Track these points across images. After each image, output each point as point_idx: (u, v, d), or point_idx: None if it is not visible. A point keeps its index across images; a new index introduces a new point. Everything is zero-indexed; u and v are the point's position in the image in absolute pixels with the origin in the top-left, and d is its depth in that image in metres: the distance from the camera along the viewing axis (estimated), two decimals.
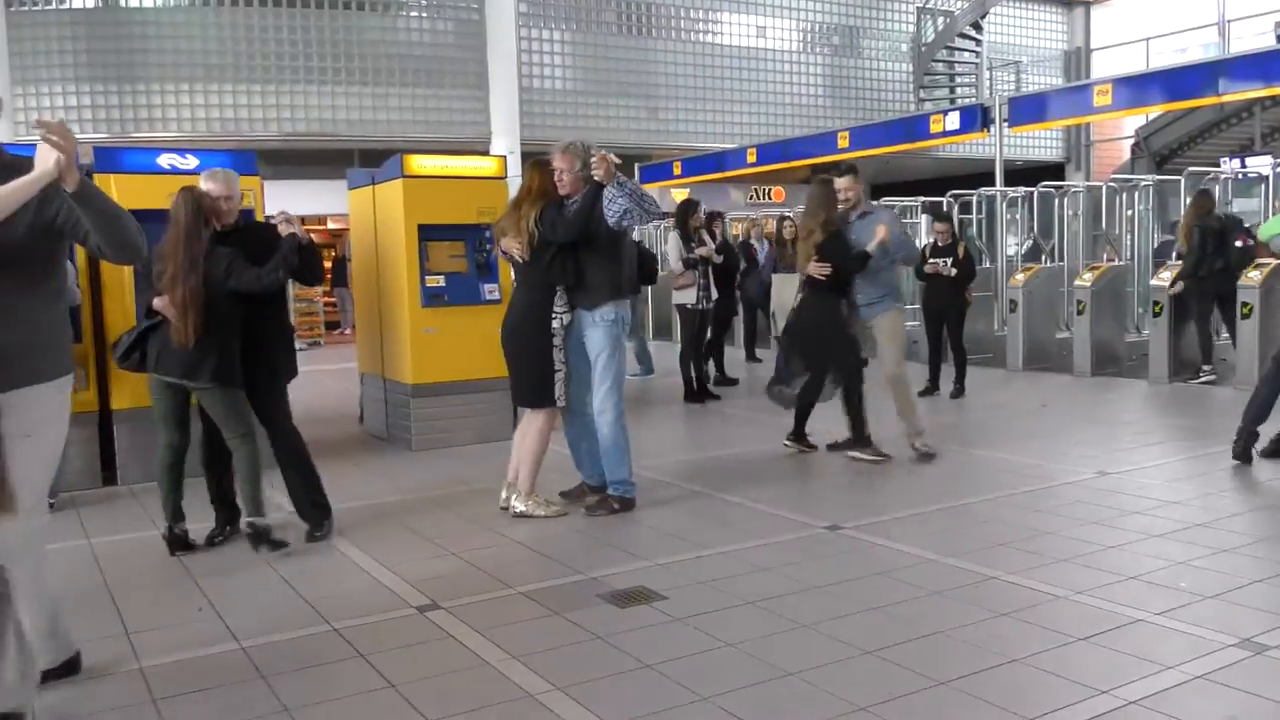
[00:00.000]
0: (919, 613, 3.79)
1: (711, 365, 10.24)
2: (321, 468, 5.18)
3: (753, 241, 11.90)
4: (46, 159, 2.76)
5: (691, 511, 5.42)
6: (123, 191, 6.26)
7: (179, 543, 4.86)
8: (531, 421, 5.41)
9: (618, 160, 5.04)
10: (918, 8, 22.37)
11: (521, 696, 3.17)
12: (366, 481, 6.41)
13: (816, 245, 6.30)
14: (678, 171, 18.71)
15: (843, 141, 15.03)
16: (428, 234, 7.32)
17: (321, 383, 11.03)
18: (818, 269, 6.26)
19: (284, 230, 4.92)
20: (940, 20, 22.00)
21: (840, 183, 6.46)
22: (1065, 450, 6.72)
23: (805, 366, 6.63)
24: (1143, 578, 4.11)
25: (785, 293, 9.83)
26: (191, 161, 6.66)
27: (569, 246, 5.16)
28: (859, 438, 6.57)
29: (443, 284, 7.35)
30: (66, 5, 16.67)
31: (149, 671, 3.45)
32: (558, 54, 19.32)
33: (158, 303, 4.63)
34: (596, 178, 4.99)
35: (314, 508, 5.08)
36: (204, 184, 4.78)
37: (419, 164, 7.35)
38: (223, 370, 4.65)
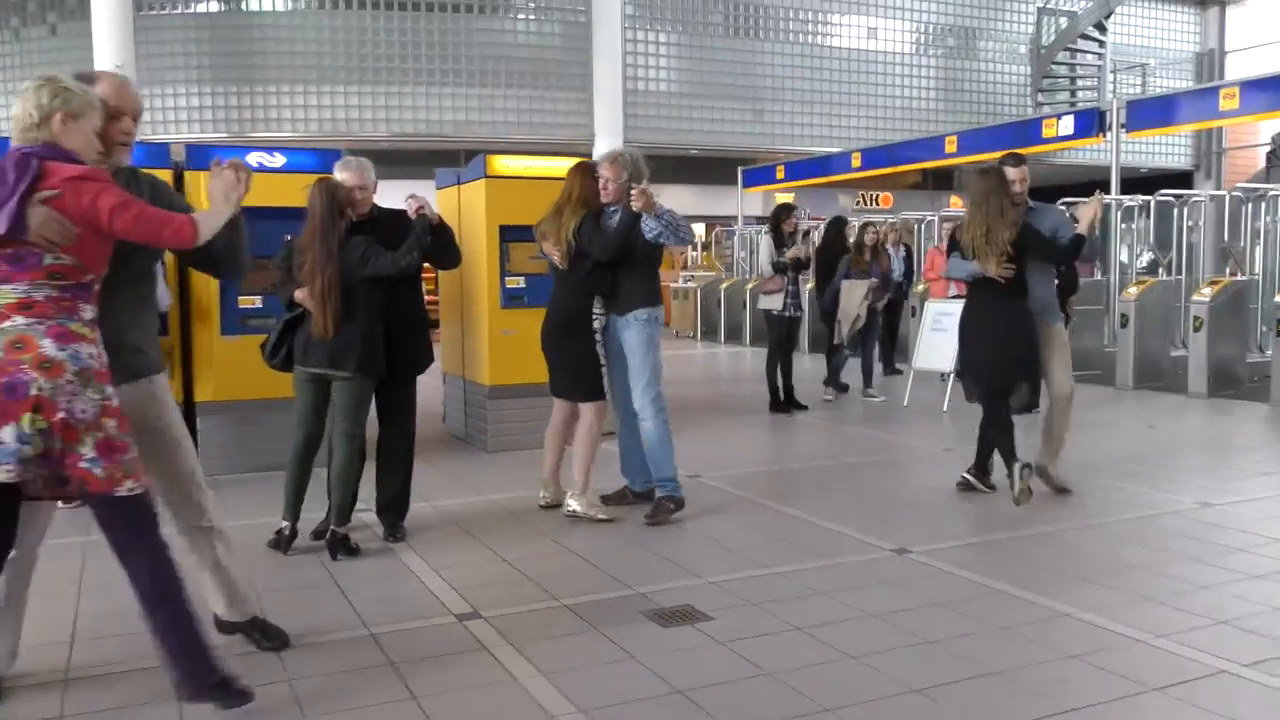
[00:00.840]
0: (979, 650, 3.53)
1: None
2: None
3: (888, 248, 11.37)
4: (231, 196, 3.06)
5: (754, 526, 5.23)
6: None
7: (287, 543, 4.75)
8: (583, 417, 5.43)
9: (654, 193, 5.09)
10: (1038, 8, 21.59)
11: (540, 717, 3.05)
12: (436, 481, 6.40)
13: (1010, 242, 5.42)
14: (780, 175, 18.43)
15: (950, 146, 14.54)
16: (509, 235, 7.28)
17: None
18: (1004, 270, 5.44)
19: (413, 210, 4.89)
20: (1062, 20, 21.16)
21: (1014, 173, 5.61)
22: (1169, 477, 6.29)
23: (994, 387, 5.71)
24: (1235, 623, 3.77)
25: (851, 299, 9.51)
26: (279, 160, 6.78)
27: (613, 260, 5.27)
28: (982, 465, 5.92)
29: (523, 285, 7.31)
30: (191, 9, 17.35)
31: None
32: (663, 56, 19.27)
33: (299, 294, 4.66)
34: (635, 209, 5.04)
35: (397, 510, 5.09)
36: (338, 174, 4.79)
37: (502, 164, 7.32)
38: (366, 358, 4.64)
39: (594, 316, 5.39)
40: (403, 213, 4.96)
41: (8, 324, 2.71)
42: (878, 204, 22.69)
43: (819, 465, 6.95)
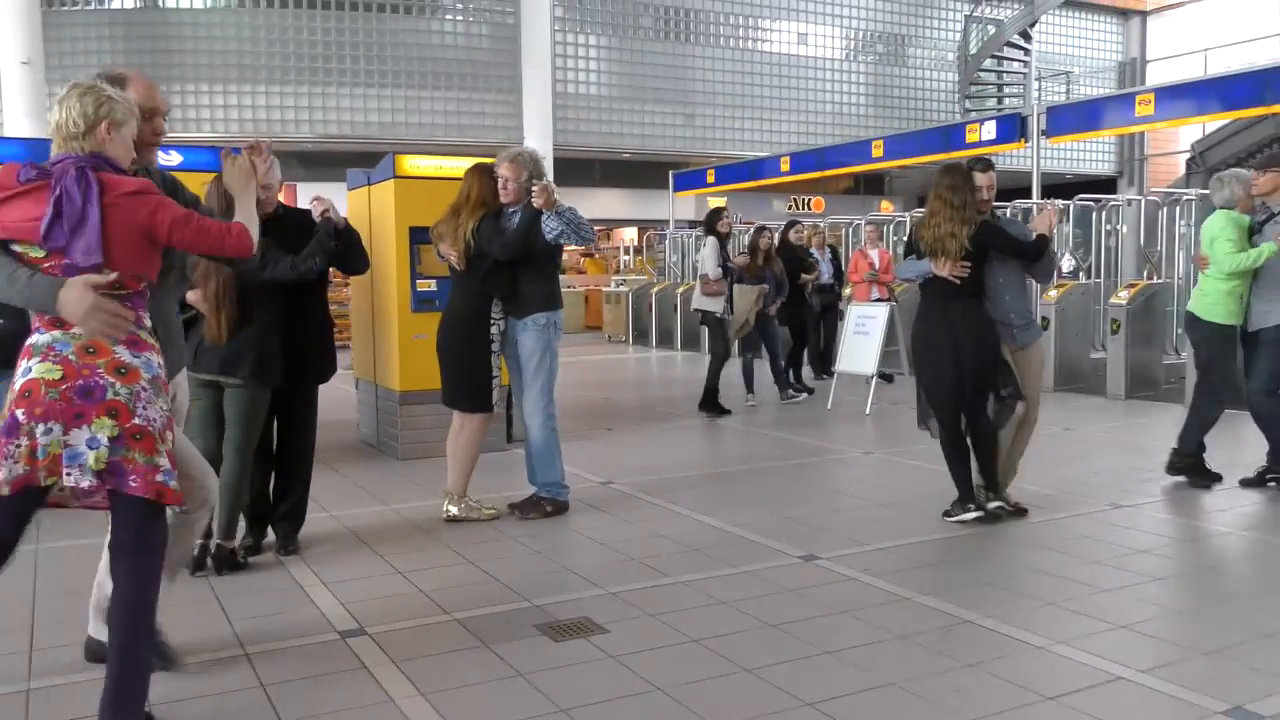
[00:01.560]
0: (876, 659, 3.44)
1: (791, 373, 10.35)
2: None
3: (813, 251, 11.35)
4: (249, 184, 3.11)
5: (662, 534, 5.10)
6: None
7: (226, 560, 4.45)
8: (467, 426, 5.36)
9: (554, 190, 5.08)
10: (965, 15, 21.86)
11: None
12: (341, 490, 6.18)
13: (970, 238, 5.02)
14: (711, 179, 18.39)
15: (877, 150, 14.59)
16: (420, 237, 7.07)
17: (332, 386, 10.83)
18: (959, 269, 5.04)
19: (318, 213, 4.67)
20: (989, 28, 21.46)
21: (983, 178, 5.21)
22: (1081, 479, 6.29)
23: (949, 400, 5.20)
24: (1135, 627, 3.72)
25: (742, 303, 9.42)
26: (175, 158, 6.52)
27: (505, 260, 5.17)
28: (967, 492, 5.26)
29: (434, 288, 7.11)
30: (105, 5, 16.82)
31: (33, 694, 3.22)
32: (593, 59, 19.16)
33: (191, 296, 4.40)
34: (536, 205, 4.99)
35: (291, 523, 4.86)
36: None
37: (411, 164, 7.13)
38: (260, 366, 4.42)
39: (493, 321, 5.27)
40: (308, 213, 4.75)
41: (78, 329, 2.64)
42: (810, 208, 22.79)
43: (736, 470, 6.85)
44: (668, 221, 19.47)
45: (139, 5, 16.94)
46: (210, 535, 4.38)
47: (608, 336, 19.00)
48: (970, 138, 12.70)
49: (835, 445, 7.73)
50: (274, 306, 4.50)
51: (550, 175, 5.29)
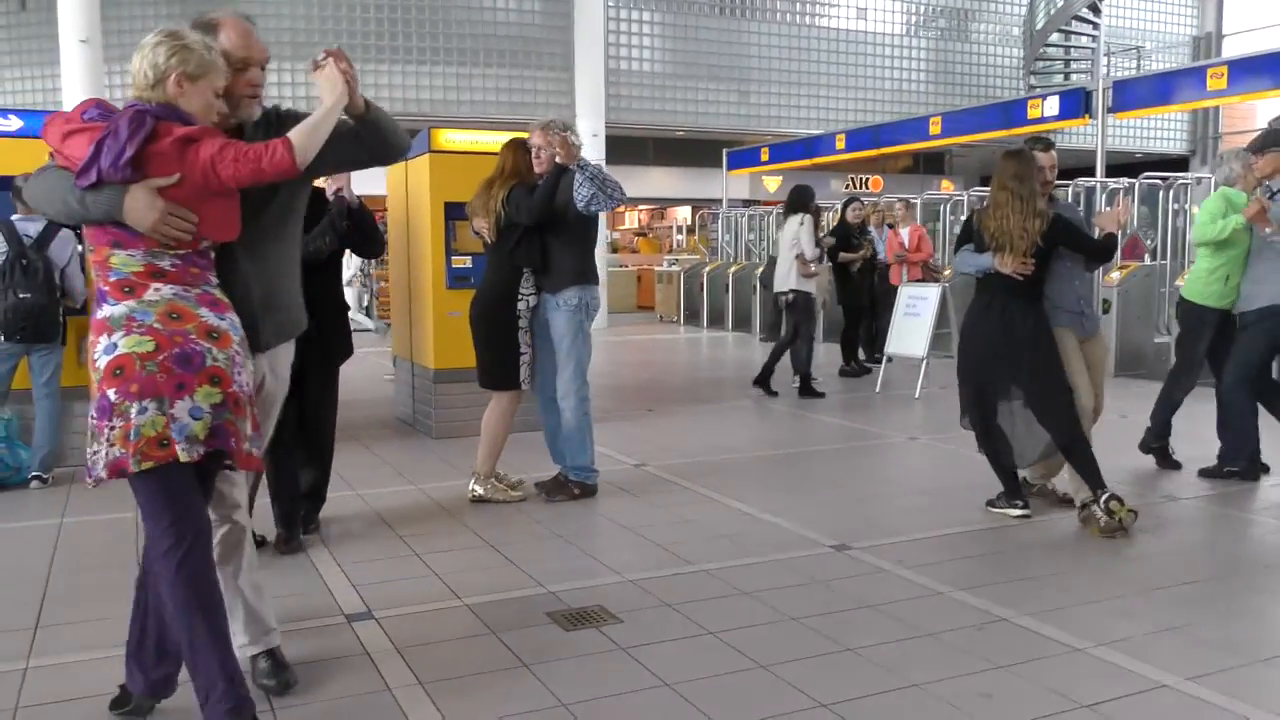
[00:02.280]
0: (901, 658, 3.24)
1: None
2: (337, 451, 4.89)
3: (871, 230, 11.03)
4: (336, 85, 2.66)
5: (689, 520, 4.94)
6: None
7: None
8: (496, 404, 5.29)
9: (579, 142, 4.95)
10: None
11: None
12: (371, 468, 6.11)
13: (1040, 233, 4.72)
14: (765, 158, 18.07)
15: (934, 128, 14.17)
16: (455, 212, 6.96)
17: (370, 363, 10.84)
18: (1024, 266, 4.74)
19: (331, 192, 4.54)
20: (1055, 2, 20.75)
21: (1044, 158, 4.95)
22: (1135, 469, 5.98)
23: (990, 399, 4.95)
24: (1185, 630, 3.48)
25: (820, 283, 9.18)
26: (14, 123, 6.14)
27: (536, 230, 5.06)
28: (1013, 487, 5.03)
29: (469, 265, 7.00)
30: None
31: (27, 687, 3.17)
32: (647, 35, 18.88)
33: None
34: (557, 160, 4.89)
35: (311, 503, 4.71)
36: None
37: (446, 139, 7.01)
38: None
39: (521, 296, 5.17)
40: (323, 192, 4.63)
41: (151, 294, 2.48)
42: (868, 187, 22.32)
43: (773, 454, 6.65)
44: (721, 200, 19.20)
45: None
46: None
47: (659, 316, 18.83)
48: (1032, 114, 12.26)
49: (880, 430, 7.49)
50: None
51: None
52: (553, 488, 5.32)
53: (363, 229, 4.67)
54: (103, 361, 2.45)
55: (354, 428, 7.24)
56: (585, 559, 4.37)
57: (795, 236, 8.75)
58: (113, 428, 2.43)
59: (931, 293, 9.25)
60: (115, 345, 2.45)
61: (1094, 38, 20.57)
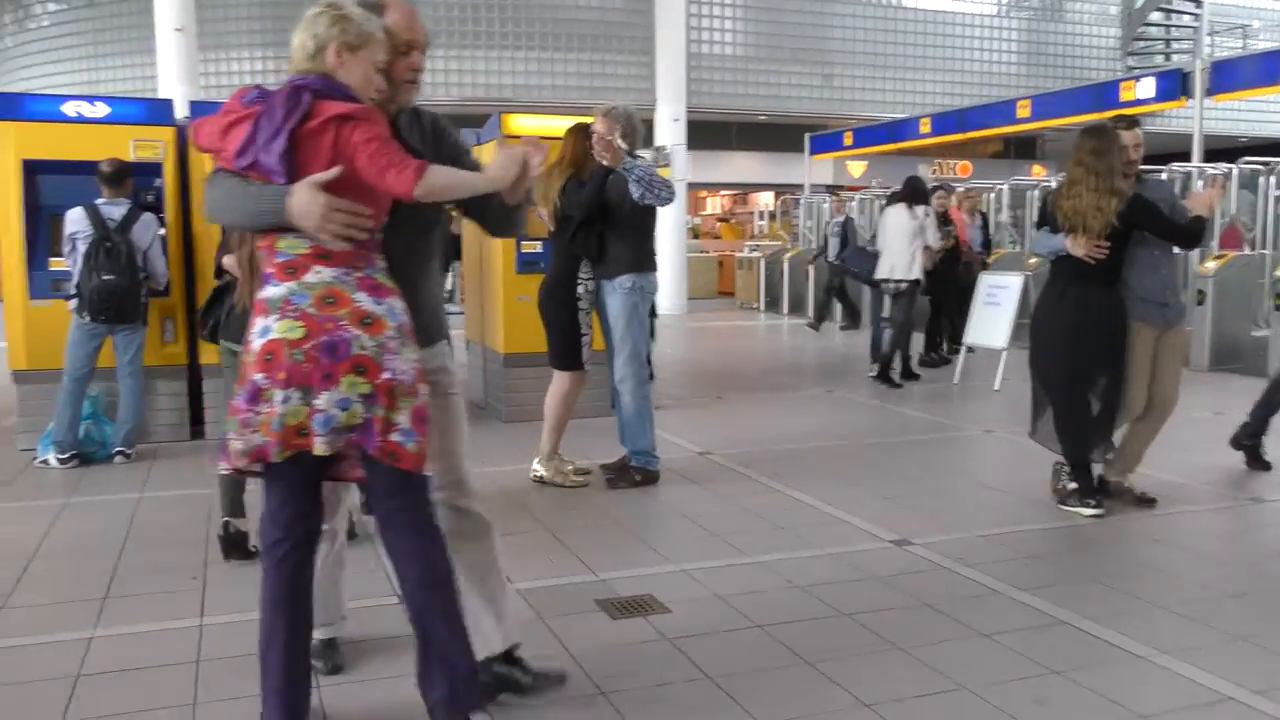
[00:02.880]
0: (953, 659, 3.16)
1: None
2: None
3: (965, 217, 10.75)
4: (508, 170, 2.50)
5: (749, 510, 4.89)
6: (25, 140, 6.11)
7: (236, 544, 4.12)
8: (558, 385, 5.35)
9: (624, 145, 4.87)
10: None
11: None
12: None
13: (1117, 213, 4.52)
14: (848, 142, 17.78)
15: (1023, 111, 13.76)
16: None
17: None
18: (1096, 249, 4.55)
19: None
20: None
21: (1128, 136, 4.67)
22: (1224, 469, 5.72)
23: (1067, 395, 4.82)
24: (1257, 639, 3.31)
25: None
26: (101, 110, 6.36)
27: (591, 220, 5.07)
28: (1087, 486, 4.84)
29: (539, 250, 7.02)
30: None
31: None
32: (728, 18, 18.73)
33: (227, 260, 4.06)
34: (603, 162, 4.88)
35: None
36: None
37: (517, 124, 7.05)
38: None
39: (580, 280, 5.22)
40: None
41: (311, 276, 2.40)
42: (955, 173, 21.82)
43: (842, 445, 6.54)
44: (803, 186, 18.97)
45: None
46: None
47: (739, 303, 18.70)
48: (1125, 96, 11.81)
49: (954, 422, 7.32)
50: None
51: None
52: (616, 473, 5.34)
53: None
54: (256, 344, 2.39)
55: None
56: (640, 547, 4.35)
57: (919, 227, 8.72)
58: (257, 414, 2.37)
59: (1013, 281, 8.99)
60: (269, 329, 2.38)
61: (1196, 16, 19.73)
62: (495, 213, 2.75)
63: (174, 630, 3.42)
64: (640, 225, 5.15)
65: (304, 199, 2.33)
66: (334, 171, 2.34)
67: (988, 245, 11.05)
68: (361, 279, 2.43)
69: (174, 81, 14.71)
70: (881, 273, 8.92)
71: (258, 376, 2.36)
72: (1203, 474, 5.56)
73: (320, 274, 2.40)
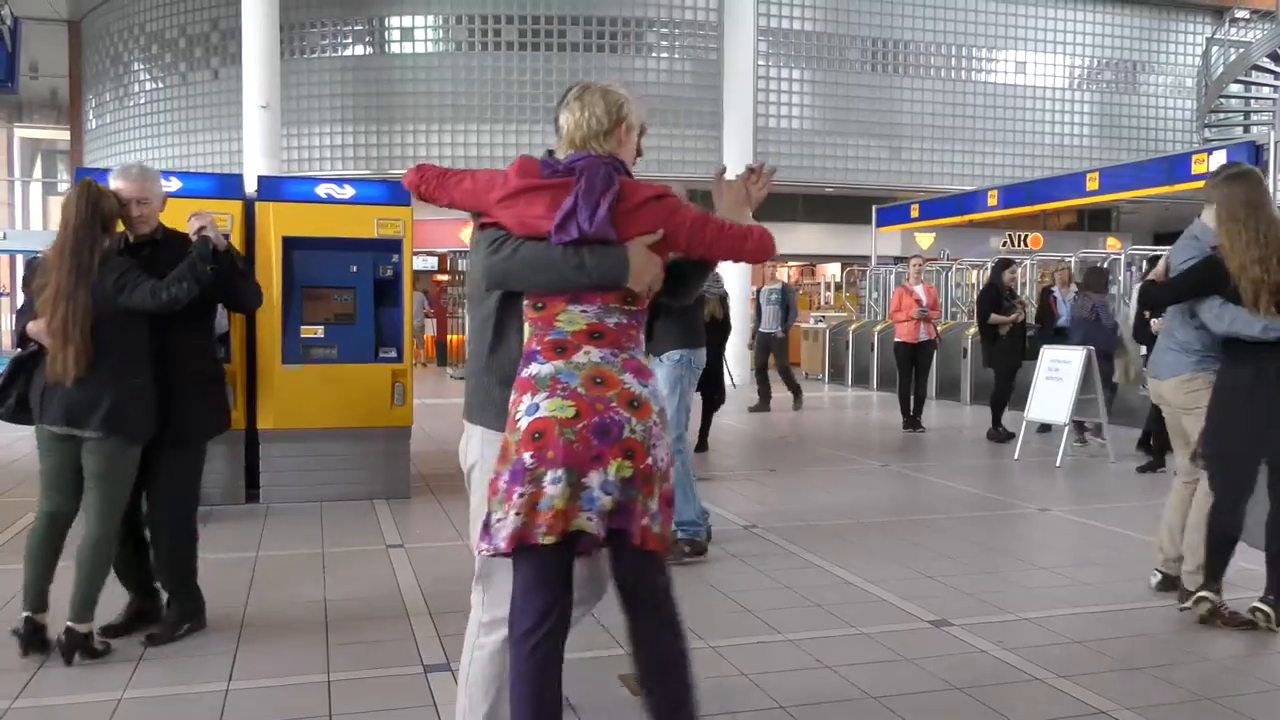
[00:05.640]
0: None
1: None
2: (456, 499, 4.97)
3: (1055, 291, 10.53)
4: (745, 203, 2.68)
5: (786, 585, 4.81)
6: (282, 219, 6.54)
7: (35, 638, 3.66)
8: None
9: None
10: (1206, 38, 20.19)
11: None
12: (427, 521, 6.21)
13: None
14: (915, 214, 17.74)
15: (1092, 183, 13.60)
16: None
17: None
18: None
19: (193, 232, 3.85)
20: (1232, 51, 19.71)
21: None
22: None
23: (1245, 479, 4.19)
24: None
25: None
26: (348, 191, 6.81)
27: None
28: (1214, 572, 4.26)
29: None
30: (338, 53, 18.13)
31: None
32: (795, 93, 18.94)
33: (31, 328, 3.65)
34: None
35: (152, 617, 4.06)
36: (112, 182, 3.81)
37: None
38: (116, 415, 3.60)
39: None
40: (183, 235, 3.95)
41: (580, 355, 2.39)
42: (1027, 245, 21.57)
43: (891, 520, 6.41)
44: (869, 257, 18.92)
45: (368, 52, 18.17)
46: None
47: (804, 374, 18.60)
48: (1197, 169, 11.61)
49: (1010, 498, 7.14)
50: (133, 341, 3.72)
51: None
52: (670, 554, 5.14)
53: (231, 275, 3.95)
54: (524, 423, 2.34)
55: (444, 480, 7.42)
56: None
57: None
58: (522, 494, 2.31)
59: (1076, 356, 8.81)
60: (538, 406, 2.34)
61: (1276, 87, 19.39)
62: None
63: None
64: (685, 306, 5.14)
65: (643, 257, 2.40)
66: (658, 234, 2.42)
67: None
68: (627, 360, 2.43)
69: (258, 155, 15.35)
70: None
71: (525, 455, 2.32)
72: None
73: (589, 354, 2.39)
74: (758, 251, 2.48)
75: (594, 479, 2.31)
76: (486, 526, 2.37)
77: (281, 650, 3.88)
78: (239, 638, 4.02)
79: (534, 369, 2.39)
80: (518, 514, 2.30)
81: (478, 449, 2.65)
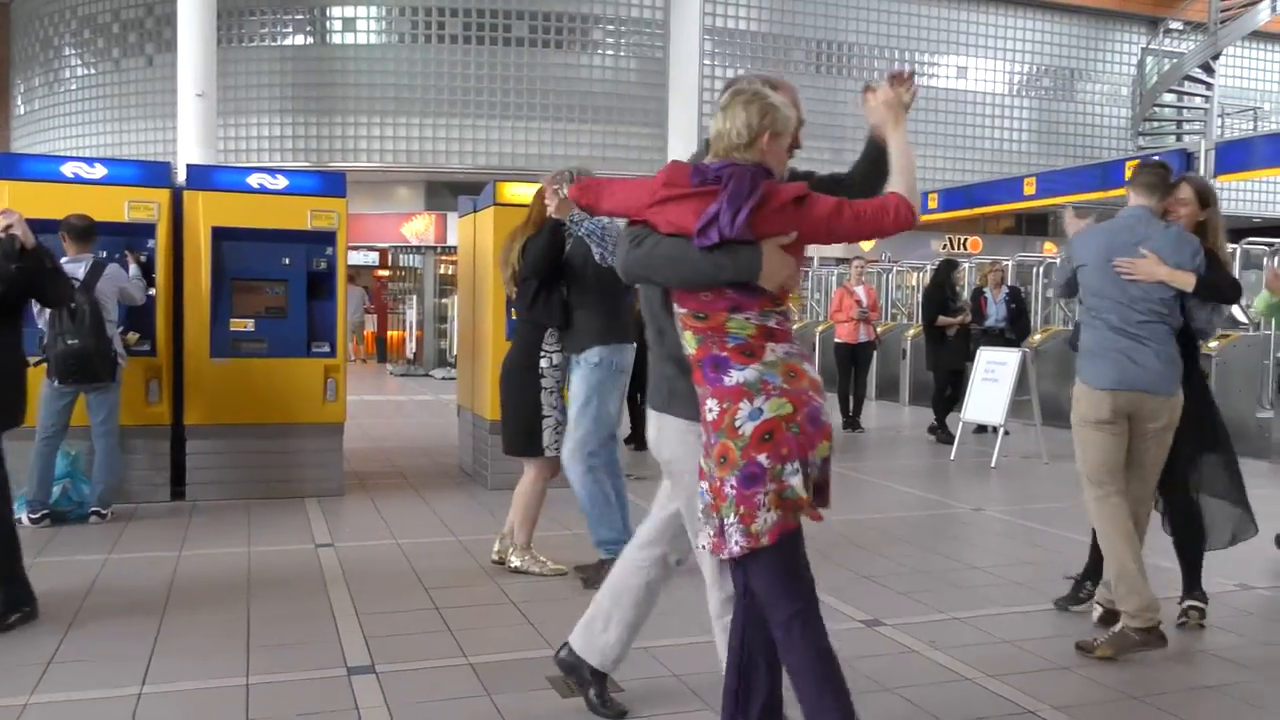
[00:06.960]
0: None
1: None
2: (391, 498, 4.87)
3: (985, 291, 10.54)
4: (901, 115, 2.71)
5: None
6: (212, 209, 6.37)
7: None
8: (526, 472, 4.97)
9: (565, 194, 4.07)
10: (1141, 48, 20.64)
11: None
12: (417, 518, 6.13)
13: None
14: None
15: (1029, 188, 13.83)
16: None
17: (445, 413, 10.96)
18: None
19: (0, 229, 3.92)
20: (1166, 62, 20.18)
21: (1184, 193, 4.20)
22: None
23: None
24: None
25: None
26: (281, 182, 6.66)
27: (553, 284, 4.72)
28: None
29: None
30: (277, 42, 17.80)
31: None
32: None
33: None
34: (549, 213, 4.30)
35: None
36: None
37: (511, 192, 7.09)
38: None
39: (544, 353, 4.79)
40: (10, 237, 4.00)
41: (769, 355, 2.52)
42: (966, 248, 21.87)
43: (829, 519, 6.38)
44: (812, 258, 19.05)
45: (308, 42, 17.85)
46: None
47: None
48: (1130, 176, 11.82)
49: (945, 499, 7.20)
50: None
51: None
52: (592, 573, 4.64)
53: (37, 273, 4.01)
54: (748, 428, 2.45)
55: (419, 474, 7.37)
56: None
57: None
58: (766, 493, 2.45)
59: (1011, 358, 8.92)
60: (761, 410, 2.45)
61: (1207, 98, 19.90)
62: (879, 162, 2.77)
63: (119, 698, 3.35)
64: (609, 292, 4.65)
65: (778, 258, 2.49)
66: (792, 235, 2.50)
67: (1014, 321, 10.64)
68: (802, 352, 2.59)
69: (193, 144, 15.01)
70: None
71: (760, 457, 2.45)
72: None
73: (775, 351, 2.52)
74: (901, 222, 2.53)
75: (812, 464, 2.49)
76: (722, 533, 2.52)
77: (199, 653, 3.76)
78: (155, 640, 3.89)
79: (738, 376, 2.50)
80: (768, 511, 2.46)
81: (672, 442, 2.83)
